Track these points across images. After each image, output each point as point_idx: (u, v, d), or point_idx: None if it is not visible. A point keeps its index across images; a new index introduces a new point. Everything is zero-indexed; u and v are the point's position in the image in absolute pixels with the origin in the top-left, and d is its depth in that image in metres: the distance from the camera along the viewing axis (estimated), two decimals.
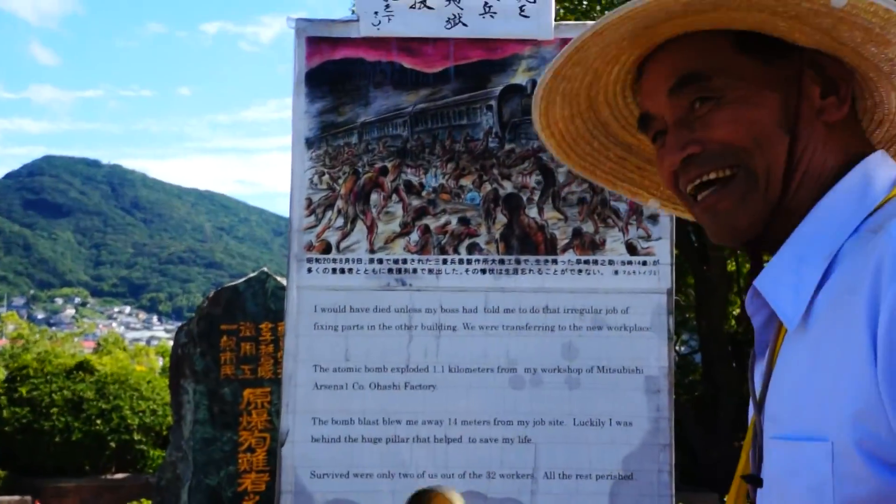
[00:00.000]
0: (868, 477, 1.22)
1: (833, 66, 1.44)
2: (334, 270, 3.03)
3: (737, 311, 25.10)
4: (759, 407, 1.44)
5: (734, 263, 25.77)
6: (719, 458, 23.00)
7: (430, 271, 3.02)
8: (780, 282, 1.39)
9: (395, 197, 3.03)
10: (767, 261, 1.47)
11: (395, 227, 3.03)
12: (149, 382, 29.79)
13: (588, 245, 3.00)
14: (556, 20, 3.07)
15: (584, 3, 21.28)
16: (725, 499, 1.66)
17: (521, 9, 3.03)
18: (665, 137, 1.46)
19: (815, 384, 1.31)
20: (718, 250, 24.62)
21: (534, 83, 3.03)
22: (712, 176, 1.40)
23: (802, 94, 1.42)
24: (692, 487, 19.64)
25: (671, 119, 1.44)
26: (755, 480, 1.42)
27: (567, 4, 20.79)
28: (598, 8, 21.03)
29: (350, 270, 3.03)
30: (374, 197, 3.03)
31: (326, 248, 3.03)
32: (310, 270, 3.03)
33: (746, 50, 1.41)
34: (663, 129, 1.46)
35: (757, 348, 1.52)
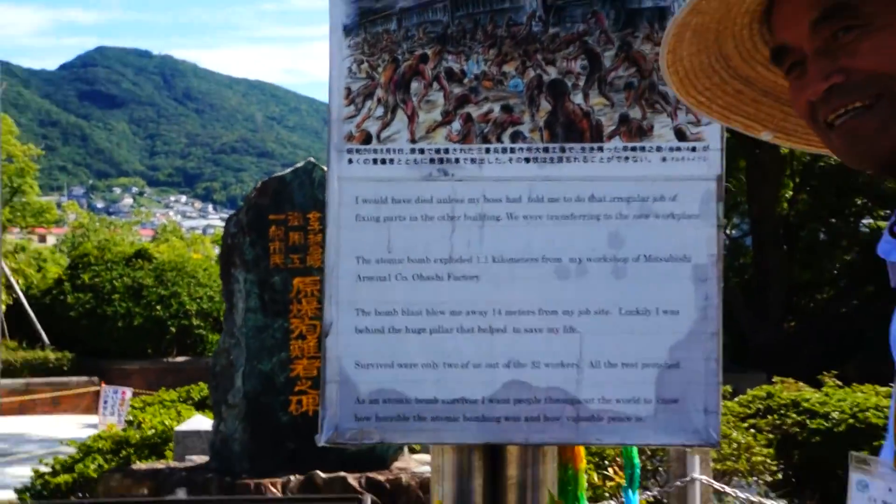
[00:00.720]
0: None
1: None
2: (375, 161, 2.99)
3: (789, 195, 24.95)
4: None
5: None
6: (768, 341, 23.06)
7: (473, 161, 2.97)
8: None
9: (435, 85, 2.97)
10: None
11: (436, 115, 2.98)
12: (205, 270, 30.20)
13: (635, 131, 2.94)
14: None
15: None
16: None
17: None
18: (803, 68, 1.43)
19: None
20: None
21: None
22: (857, 104, 1.37)
23: None
24: (741, 368, 19.71)
25: (811, 49, 1.41)
26: None
27: None
28: None
29: (391, 161, 2.99)
30: (414, 85, 2.97)
31: (367, 139, 2.98)
32: (350, 161, 3.00)
33: None
34: (800, 60, 1.44)
35: None
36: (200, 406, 12.03)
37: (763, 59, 1.61)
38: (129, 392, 17.97)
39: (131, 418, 13.33)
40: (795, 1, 1.43)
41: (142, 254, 31.47)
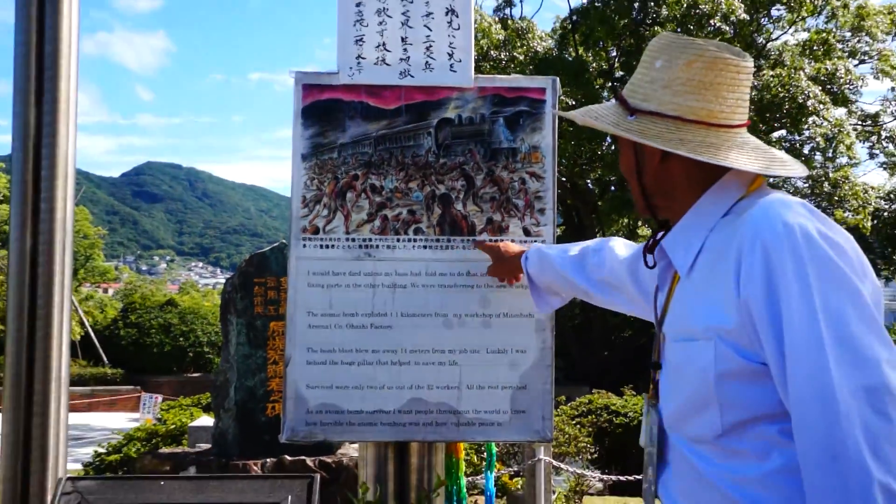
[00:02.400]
0: (733, 357, 1.45)
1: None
2: (321, 246, 2.92)
3: None
4: (660, 323, 1.68)
5: (601, 235, 25.84)
6: (590, 364, 23.15)
7: (388, 247, 2.91)
8: (677, 246, 1.62)
9: (363, 195, 2.92)
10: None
11: (363, 216, 2.92)
12: (214, 314, 29.70)
13: (497, 229, 2.91)
14: (476, 73, 2.99)
15: (503, 63, 21.13)
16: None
17: (451, 66, 2.96)
18: None
19: (700, 310, 1.52)
20: (592, 227, 24.68)
21: (460, 118, 2.94)
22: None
23: (636, 147, 1.74)
24: (572, 383, 19.76)
25: None
26: (657, 365, 1.68)
27: (487, 62, 20.62)
28: (512, 66, 20.93)
29: (332, 246, 2.92)
30: (348, 195, 2.92)
31: (316, 230, 2.91)
32: (304, 246, 2.92)
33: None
34: None
35: (659, 284, 1.74)
36: (207, 409, 11.72)
37: None
38: (160, 398, 17.58)
39: (160, 416, 12.98)
40: None
41: (171, 302, 31.05)
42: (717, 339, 1.46)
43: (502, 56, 21.63)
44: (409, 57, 2.94)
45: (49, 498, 3.70)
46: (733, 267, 1.45)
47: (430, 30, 2.95)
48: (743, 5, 20.24)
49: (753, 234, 1.43)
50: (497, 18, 23.97)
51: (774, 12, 21.62)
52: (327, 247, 2.92)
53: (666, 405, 1.64)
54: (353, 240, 2.92)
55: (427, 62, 2.94)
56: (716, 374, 1.46)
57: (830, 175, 20.41)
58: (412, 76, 2.93)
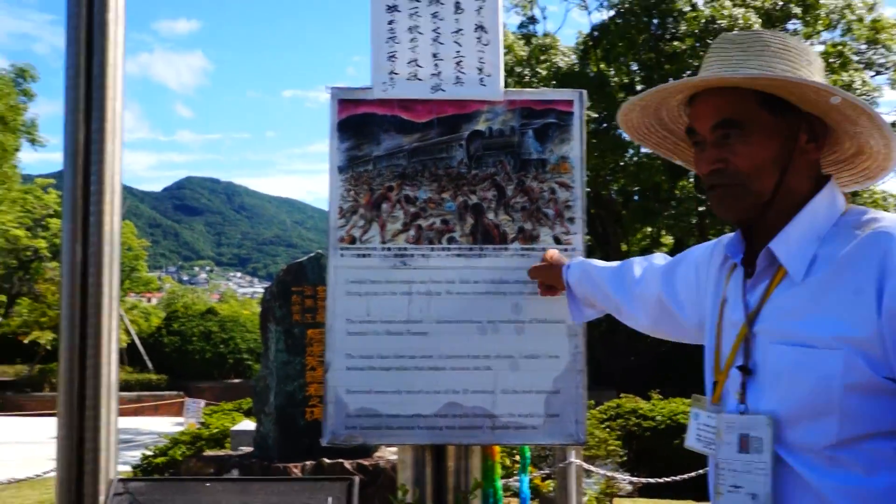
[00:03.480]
0: (863, 370, 1.38)
1: (817, 122, 1.56)
2: (358, 255, 2.91)
3: None
4: (752, 320, 1.55)
5: (626, 245, 25.74)
6: (617, 369, 23.00)
7: (423, 256, 2.90)
8: (791, 249, 1.51)
9: (398, 206, 2.92)
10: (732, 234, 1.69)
11: (398, 226, 2.91)
12: (252, 322, 29.90)
13: (528, 238, 2.89)
14: (504, 88, 2.98)
15: (526, 78, 21.15)
16: (709, 387, 1.68)
17: (481, 80, 2.94)
18: (702, 147, 1.59)
19: (823, 319, 1.44)
20: (616, 235, 24.56)
21: (490, 130, 2.93)
22: (725, 185, 1.56)
23: (797, 140, 1.54)
24: (599, 388, 19.63)
25: (710, 139, 1.57)
26: (747, 370, 1.54)
27: (511, 78, 20.63)
28: (535, 81, 20.93)
29: (368, 255, 2.92)
30: (384, 206, 2.91)
31: (353, 240, 2.91)
32: (342, 255, 2.92)
33: (766, 106, 1.52)
34: (701, 140, 1.59)
35: (752, 283, 1.59)
36: (248, 413, 11.76)
37: (683, 123, 1.77)
38: (202, 402, 17.67)
39: (204, 420, 13.05)
40: (705, 108, 1.57)
41: (211, 311, 31.31)
42: (847, 350, 1.39)
43: (526, 72, 21.62)
44: (440, 72, 2.93)
45: (102, 499, 3.73)
46: (873, 281, 1.39)
47: (461, 45, 2.94)
48: (760, 20, 20.09)
49: None
50: (521, 35, 23.97)
51: (790, 26, 21.41)
52: (364, 256, 2.92)
53: (765, 408, 1.50)
54: (389, 249, 2.91)
55: (458, 77, 2.93)
56: (844, 384, 1.39)
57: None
58: (443, 90, 2.93)
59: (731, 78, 1.51)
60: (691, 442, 1.65)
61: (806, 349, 1.44)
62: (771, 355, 1.50)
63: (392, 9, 2.95)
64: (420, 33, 2.94)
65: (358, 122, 2.93)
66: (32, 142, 25.67)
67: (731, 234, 1.74)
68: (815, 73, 1.57)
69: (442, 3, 2.95)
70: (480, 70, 2.93)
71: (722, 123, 1.53)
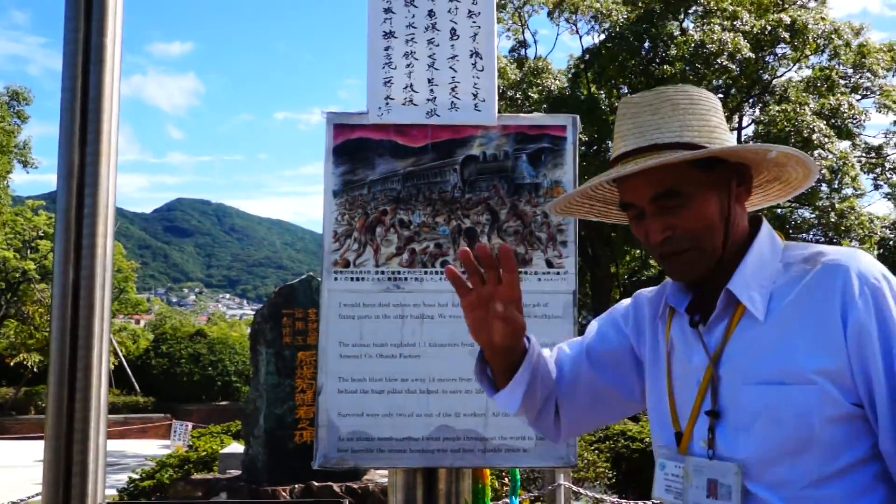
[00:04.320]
0: (838, 401, 1.41)
1: (744, 168, 1.59)
2: (352, 279, 2.93)
3: (617, 297, 25.15)
4: (716, 362, 1.52)
5: (615, 267, 25.82)
6: None
7: (416, 279, 2.92)
8: (750, 291, 1.51)
9: (392, 230, 2.93)
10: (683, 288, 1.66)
11: (392, 249, 2.93)
12: (241, 344, 29.77)
13: (520, 261, 2.91)
14: (498, 112, 3.02)
15: (518, 102, 21.25)
16: (663, 429, 1.65)
17: (476, 105, 2.99)
18: (642, 217, 1.57)
19: (792, 355, 1.44)
20: (606, 257, 24.62)
21: (484, 155, 2.96)
22: (679, 250, 1.54)
23: (730, 188, 1.56)
24: None
25: (650, 210, 1.55)
26: (716, 414, 1.50)
27: (503, 101, 20.75)
28: (527, 105, 21.04)
29: (362, 279, 2.93)
30: (378, 230, 2.93)
31: (347, 264, 2.92)
32: (336, 279, 2.93)
33: (698, 167, 1.52)
34: (640, 213, 1.57)
35: (710, 326, 1.56)
36: (236, 436, 11.69)
37: (609, 191, 1.77)
38: (190, 425, 17.54)
39: (191, 443, 12.95)
40: (639, 184, 1.55)
41: (200, 333, 31.17)
42: (821, 382, 1.41)
43: (517, 95, 21.74)
44: (435, 97, 2.96)
45: None
46: (836, 312, 1.43)
47: (456, 71, 2.98)
48: (748, 44, 20.29)
49: (860, 283, 1.43)
50: (513, 59, 24.14)
51: (779, 50, 21.65)
52: (358, 279, 2.93)
53: (739, 452, 1.47)
54: (383, 272, 2.93)
55: (453, 102, 2.97)
56: (821, 418, 1.40)
57: (836, 206, 20.31)
58: (438, 115, 2.96)
59: (668, 161, 1.49)
60: (659, 493, 1.60)
61: (779, 387, 1.44)
62: (743, 397, 1.48)
63: (389, 35, 2.99)
64: (416, 59, 2.98)
65: (353, 147, 2.96)
66: (25, 164, 25.63)
67: (655, 289, 1.76)
68: (720, 116, 1.61)
69: (438, 30, 2.99)
70: (475, 95, 2.97)
71: (662, 195, 1.52)
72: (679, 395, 1.59)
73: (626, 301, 1.86)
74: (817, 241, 21.24)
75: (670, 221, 1.53)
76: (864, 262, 1.48)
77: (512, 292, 1.61)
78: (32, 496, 8.85)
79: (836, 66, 21.79)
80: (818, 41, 21.17)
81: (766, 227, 1.60)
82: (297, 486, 7.05)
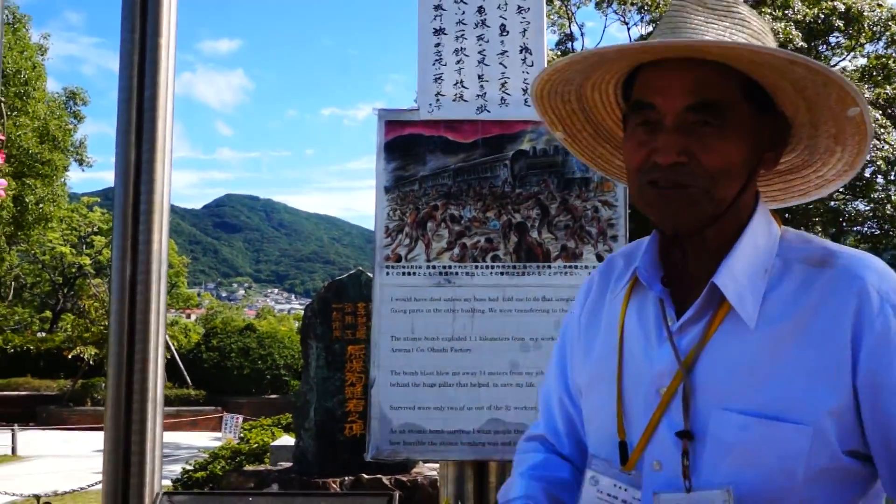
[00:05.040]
0: (832, 449, 1.12)
1: (785, 128, 1.26)
2: (403, 273, 2.96)
3: None
4: (689, 368, 1.18)
5: None
6: None
7: (467, 273, 2.95)
8: (739, 287, 1.18)
9: (443, 224, 2.96)
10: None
11: (443, 244, 2.96)
12: (289, 338, 30.08)
13: (571, 256, 2.92)
14: None
15: None
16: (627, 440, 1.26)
17: (525, 101, 3.00)
18: (656, 128, 1.19)
19: (788, 381, 1.13)
20: None
21: (534, 150, 2.96)
22: (684, 184, 1.17)
23: (764, 145, 1.23)
24: None
25: (674, 122, 1.17)
26: (690, 436, 1.16)
27: None
28: None
29: (413, 273, 2.96)
30: (429, 224, 2.96)
31: (398, 259, 2.96)
32: (388, 273, 2.96)
33: (749, 97, 1.19)
34: (657, 121, 1.19)
35: (687, 322, 1.21)
36: (287, 429, 11.84)
37: (607, 110, 1.38)
38: (241, 418, 17.78)
39: (242, 435, 13.15)
40: (675, 81, 1.18)
41: (249, 327, 31.52)
42: (817, 424, 1.11)
43: None
44: (485, 93, 2.98)
45: None
46: (847, 336, 1.13)
47: (506, 67, 2.99)
48: (801, 33, 19.91)
49: (880, 302, 1.14)
50: (560, 53, 24.00)
51: (832, 39, 21.20)
52: (409, 274, 2.96)
53: (714, 483, 1.15)
54: (434, 267, 2.96)
55: (503, 98, 2.98)
56: (808, 468, 1.11)
57: (893, 198, 19.84)
58: (489, 111, 2.98)
59: (744, 46, 1.13)
60: None
61: (767, 421, 1.13)
62: (717, 423, 1.16)
63: (439, 32, 3.01)
64: (466, 55, 3.00)
65: (404, 143, 2.99)
66: (80, 162, 26.24)
67: (629, 251, 1.40)
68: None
69: (488, 26, 3.00)
70: (525, 91, 2.98)
71: (701, 105, 1.16)
72: (630, 398, 1.26)
73: (583, 285, 1.49)
74: (872, 235, 20.85)
75: (692, 146, 1.17)
76: (882, 272, 1.18)
77: None
78: (92, 484, 9.10)
79: (894, 54, 21.26)
80: (874, 28, 20.67)
81: (761, 207, 1.27)
82: (347, 478, 7.13)
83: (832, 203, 20.58)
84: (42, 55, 22.93)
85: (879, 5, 20.82)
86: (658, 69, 1.20)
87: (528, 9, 3.01)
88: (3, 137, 3.71)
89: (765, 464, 1.12)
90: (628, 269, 1.33)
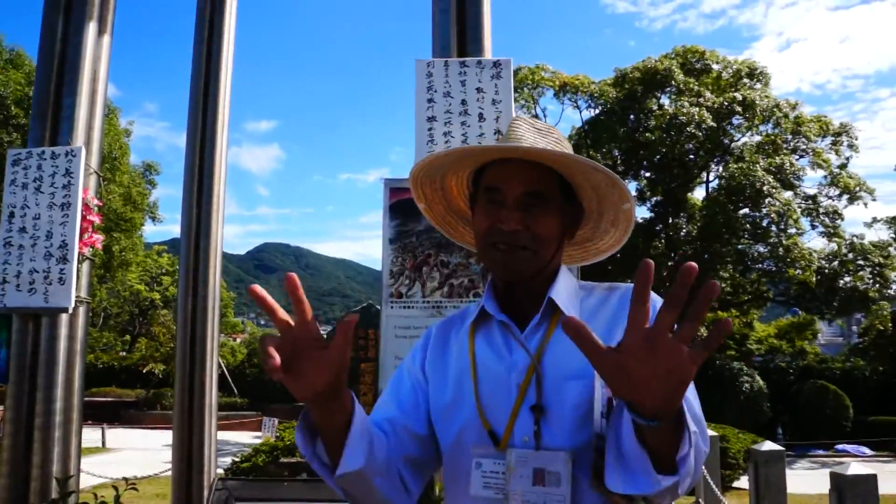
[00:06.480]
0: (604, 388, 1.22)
1: (580, 216, 1.42)
2: (404, 307, 2.95)
3: None
4: (539, 360, 1.28)
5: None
6: None
7: (454, 307, 2.94)
8: (565, 300, 1.33)
9: (435, 269, 2.95)
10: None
11: (435, 284, 2.95)
12: None
13: None
14: None
15: None
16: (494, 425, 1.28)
17: None
18: (499, 206, 1.32)
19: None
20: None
21: None
22: (520, 246, 1.30)
23: (568, 223, 1.38)
24: None
25: (514, 202, 1.31)
26: (541, 409, 1.25)
27: None
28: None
29: (412, 307, 2.95)
30: (424, 269, 2.95)
31: (400, 295, 2.95)
32: (392, 307, 2.95)
33: (562, 191, 1.34)
34: (501, 201, 1.32)
35: (531, 331, 1.32)
36: None
37: (458, 188, 1.50)
38: (276, 420, 17.56)
39: (278, 434, 12.96)
40: (516, 174, 1.32)
41: None
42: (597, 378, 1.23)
43: None
44: None
45: (206, 493, 3.75)
46: (615, 323, 1.30)
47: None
48: (710, 116, 20.27)
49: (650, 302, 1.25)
50: None
51: (735, 121, 21.54)
52: (409, 307, 2.95)
53: (565, 442, 1.23)
54: (428, 302, 2.95)
55: None
56: (601, 400, 1.23)
57: (784, 242, 20.03)
58: None
59: (569, 157, 1.29)
60: (476, 491, 1.27)
61: (583, 379, 1.24)
62: (565, 391, 1.25)
63: (431, 119, 3.04)
64: (452, 137, 3.02)
65: (404, 205, 3.01)
66: (153, 218, 26.26)
67: (451, 316, 1.49)
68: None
69: (469, 115, 3.04)
70: None
71: (533, 193, 1.31)
72: (489, 398, 1.29)
73: (421, 342, 1.49)
74: (769, 271, 20.96)
75: (527, 220, 1.31)
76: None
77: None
78: (164, 471, 8.95)
79: (779, 133, 21.64)
80: (764, 114, 21.08)
81: (563, 264, 1.44)
82: None
83: (739, 246, 20.70)
84: (127, 137, 23.17)
85: (767, 96, 21.33)
86: (505, 165, 1.34)
87: (501, 101, 3.05)
88: (101, 203, 3.75)
89: (591, 412, 1.22)
90: (465, 320, 1.43)
